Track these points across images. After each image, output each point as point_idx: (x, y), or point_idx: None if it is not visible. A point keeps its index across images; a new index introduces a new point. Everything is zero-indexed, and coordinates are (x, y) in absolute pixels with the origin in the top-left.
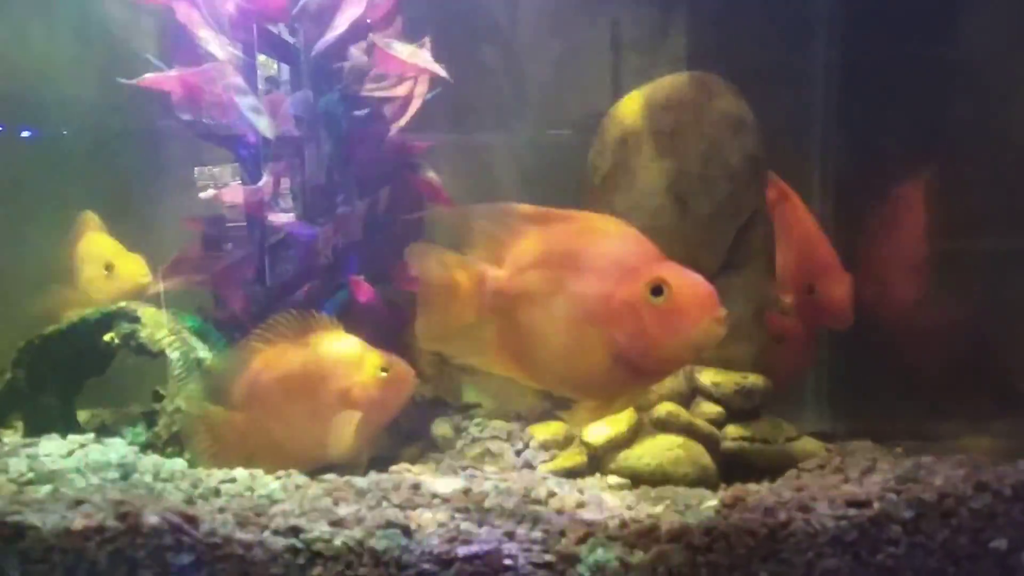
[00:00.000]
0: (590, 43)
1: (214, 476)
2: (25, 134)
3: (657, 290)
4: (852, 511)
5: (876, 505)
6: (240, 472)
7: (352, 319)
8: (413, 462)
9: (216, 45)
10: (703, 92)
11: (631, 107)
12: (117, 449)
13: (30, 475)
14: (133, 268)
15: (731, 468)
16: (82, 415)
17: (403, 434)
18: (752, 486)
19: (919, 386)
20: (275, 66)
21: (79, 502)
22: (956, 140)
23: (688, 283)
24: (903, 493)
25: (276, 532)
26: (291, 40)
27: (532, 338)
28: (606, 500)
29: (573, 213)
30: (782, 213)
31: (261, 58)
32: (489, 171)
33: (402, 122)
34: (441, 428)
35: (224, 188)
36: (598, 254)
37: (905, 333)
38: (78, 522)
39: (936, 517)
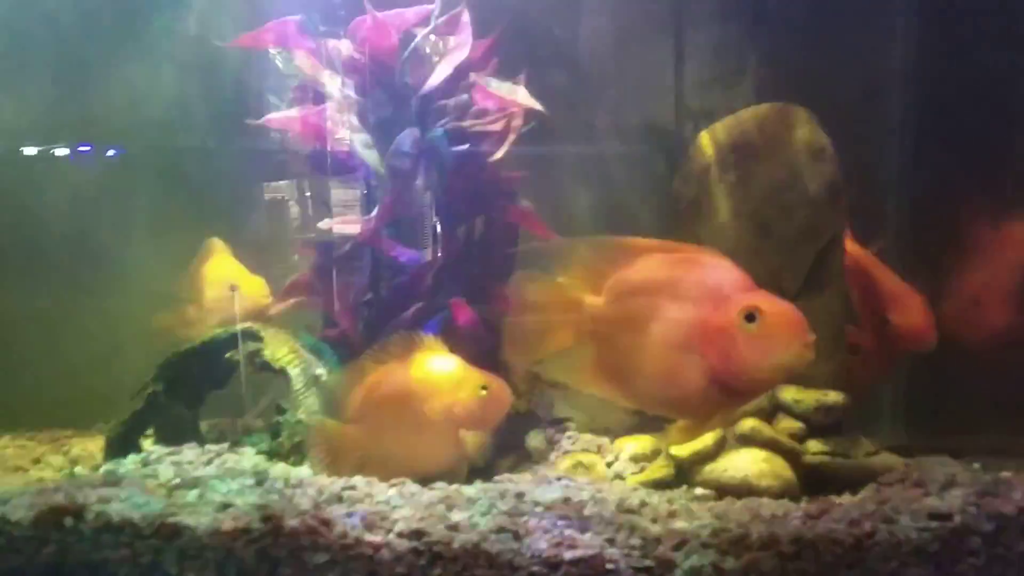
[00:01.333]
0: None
1: (336, 484)
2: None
3: (750, 316)
4: (934, 523)
5: (957, 518)
6: (359, 480)
7: (453, 339)
8: (510, 473)
9: (334, 87)
10: (783, 122)
11: (715, 137)
12: (249, 458)
13: (177, 480)
14: (256, 289)
15: (813, 482)
16: (202, 425)
17: (499, 446)
18: (835, 498)
19: (997, 404)
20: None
21: (226, 505)
22: None
23: (779, 310)
24: (983, 507)
25: (400, 535)
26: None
27: (630, 361)
28: (695, 509)
29: (670, 243)
30: (850, 260)
31: None
32: (572, 183)
33: (499, 154)
34: (535, 441)
35: (340, 218)
36: (694, 283)
37: (986, 352)
38: (227, 524)
39: (1016, 530)
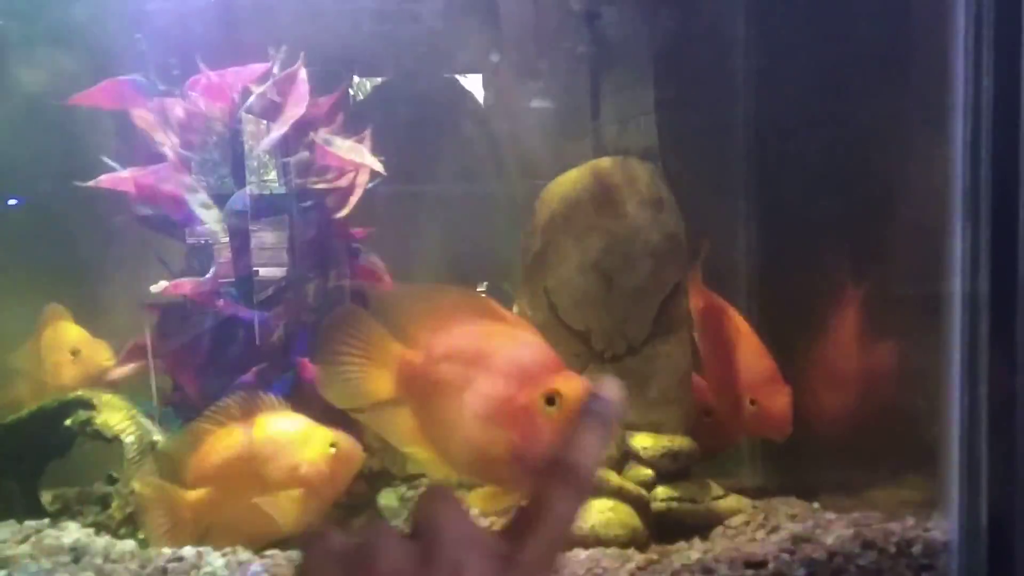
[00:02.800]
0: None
1: (162, 555)
2: None
3: (550, 400)
4: (749, 572)
5: (771, 566)
6: (188, 551)
7: (301, 398)
8: None
9: (169, 146)
10: (625, 175)
11: (558, 191)
12: (71, 533)
13: None
14: (98, 353)
15: (663, 528)
16: (46, 495)
17: (351, 506)
18: (674, 546)
19: (842, 445)
20: None
21: None
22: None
23: (581, 396)
24: (796, 553)
25: None
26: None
27: (442, 425)
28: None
29: (492, 308)
30: (716, 324)
31: None
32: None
33: (344, 211)
34: (387, 498)
35: (174, 280)
36: (505, 358)
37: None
38: None
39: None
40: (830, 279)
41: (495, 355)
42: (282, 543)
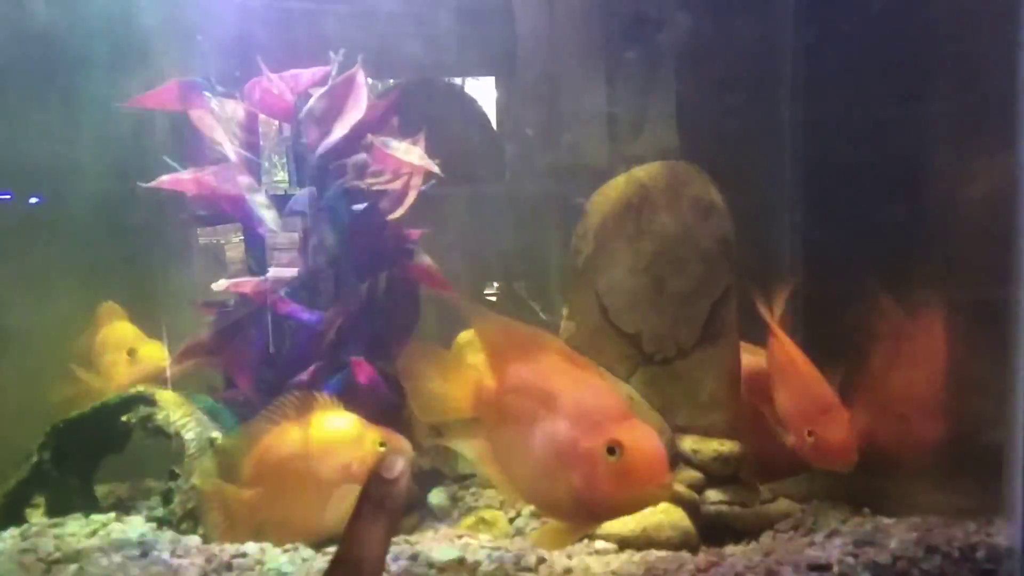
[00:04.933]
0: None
1: (227, 551)
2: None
3: (612, 450)
4: (814, 574)
5: (836, 568)
6: (251, 546)
7: (354, 397)
8: (411, 531)
9: (230, 148)
10: (676, 179)
11: (610, 194)
12: (136, 527)
13: (57, 555)
14: (154, 353)
15: (712, 531)
16: (100, 489)
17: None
18: (729, 549)
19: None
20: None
21: None
22: None
23: (640, 447)
24: (860, 556)
25: None
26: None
27: (511, 453)
28: (591, 565)
29: (563, 349)
30: (773, 351)
31: None
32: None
33: (399, 213)
34: (438, 498)
35: (235, 279)
36: (572, 400)
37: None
38: None
39: None
40: (880, 291)
41: (563, 396)
42: (333, 540)
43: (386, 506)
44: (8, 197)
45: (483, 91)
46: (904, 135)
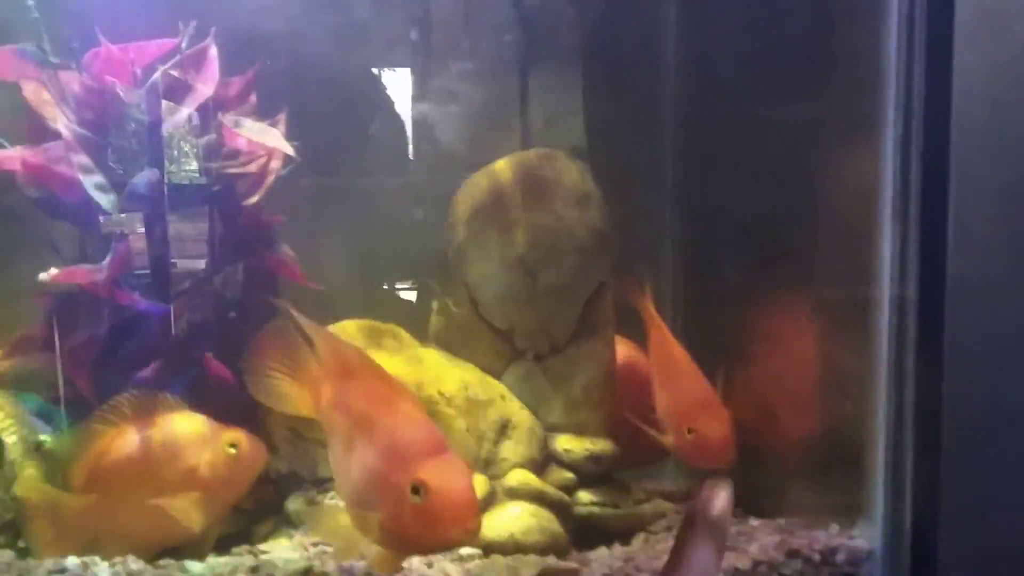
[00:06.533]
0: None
1: (43, 567)
2: None
3: (416, 489)
4: None
5: None
6: (72, 561)
7: (205, 396)
8: (265, 539)
9: (63, 123)
10: (550, 168)
11: (481, 182)
12: None
13: None
14: None
15: (584, 533)
16: None
17: (256, 511)
18: (593, 554)
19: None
20: None
21: None
22: None
23: (446, 489)
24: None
25: None
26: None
27: (337, 468)
28: (452, 572)
29: (384, 375)
30: (653, 344)
31: None
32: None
33: (255, 198)
34: (295, 503)
35: (64, 268)
36: (385, 431)
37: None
38: None
39: None
40: (758, 282)
41: (378, 425)
42: (177, 551)
43: (715, 539)
44: None
45: (372, 79)
46: (778, 133)
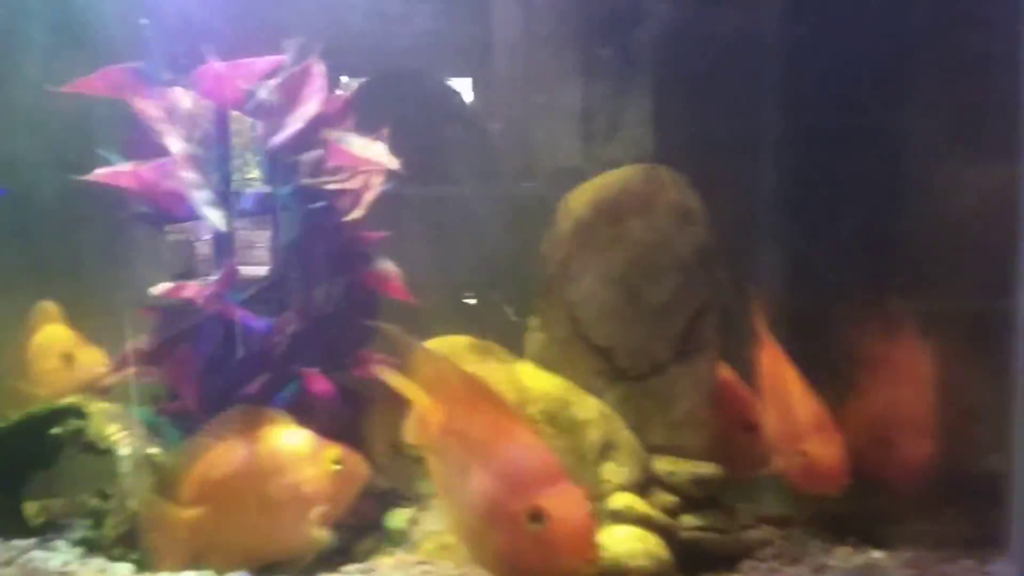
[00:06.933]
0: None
1: None
2: None
3: (536, 516)
4: None
5: None
6: (189, 574)
7: (307, 411)
8: (367, 556)
9: (173, 140)
10: (652, 184)
11: (582, 199)
12: (60, 555)
13: None
14: (91, 359)
15: (688, 558)
16: (31, 506)
17: (357, 527)
18: None
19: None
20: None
21: None
22: None
23: (566, 517)
24: None
25: None
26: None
27: (448, 494)
28: None
29: (499, 400)
30: (764, 365)
31: None
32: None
33: (357, 214)
34: (396, 520)
35: (177, 282)
36: (501, 458)
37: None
38: None
39: None
40: (874, 299)
41: (493, 451)
42: (280, 565)
43: None
44: None
45: (454, 89)
46: (894, 143)
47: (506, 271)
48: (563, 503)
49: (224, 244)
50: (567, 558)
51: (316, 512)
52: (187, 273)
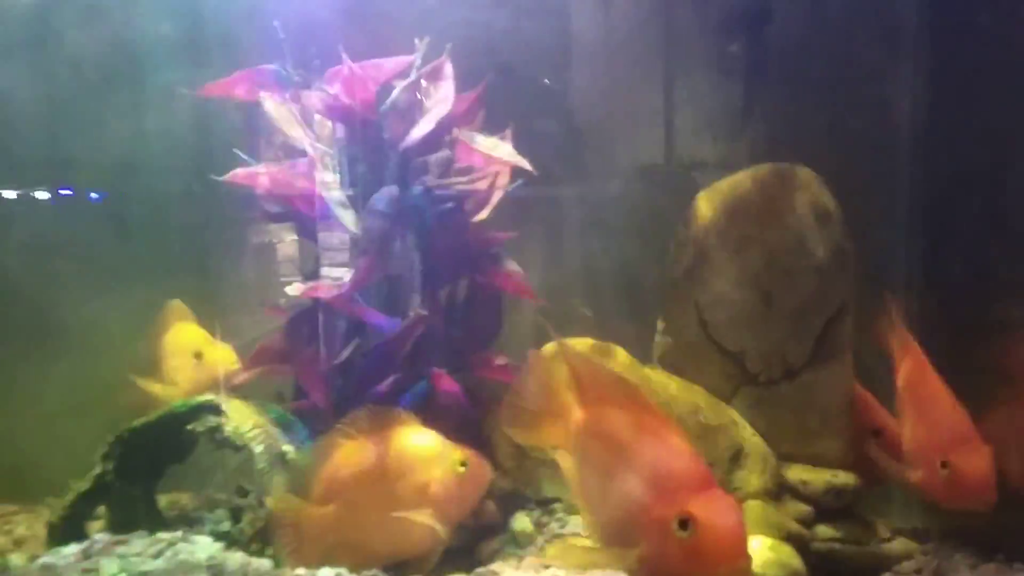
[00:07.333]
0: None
1: None
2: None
3: (684, 523)
4: None
5: None
6: (325, 572)
7: (432, 411)
8: (492, 558)
9: (306, 141)
10: (786, 183)
11: (714, 199)
12: (205, 547)
13: None
14: (222, 357)
15: (823, 570)
16: (161, 500)
17: (481, 529)
18: None
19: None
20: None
21: None
22: None
23: (716, 523)
24: None
25: None
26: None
27: (591, 496)
28: None
29: (648, 403)
30: (905, 370)
31: None
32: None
33: (484, 214)
34: (521, 523)
35: (310, 283)
36: (649, 461)
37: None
38: None
39: None
40: (1012, 308)
41: (641, 454)
42: (409, 565)
43: None
44: (70, 193)
45: (571, 86)
46: None
47: (629, 274)
48: (714, 510)
49: (355, 244)
50: (716, 567)
51: (441, 513)
52: (316, 273)
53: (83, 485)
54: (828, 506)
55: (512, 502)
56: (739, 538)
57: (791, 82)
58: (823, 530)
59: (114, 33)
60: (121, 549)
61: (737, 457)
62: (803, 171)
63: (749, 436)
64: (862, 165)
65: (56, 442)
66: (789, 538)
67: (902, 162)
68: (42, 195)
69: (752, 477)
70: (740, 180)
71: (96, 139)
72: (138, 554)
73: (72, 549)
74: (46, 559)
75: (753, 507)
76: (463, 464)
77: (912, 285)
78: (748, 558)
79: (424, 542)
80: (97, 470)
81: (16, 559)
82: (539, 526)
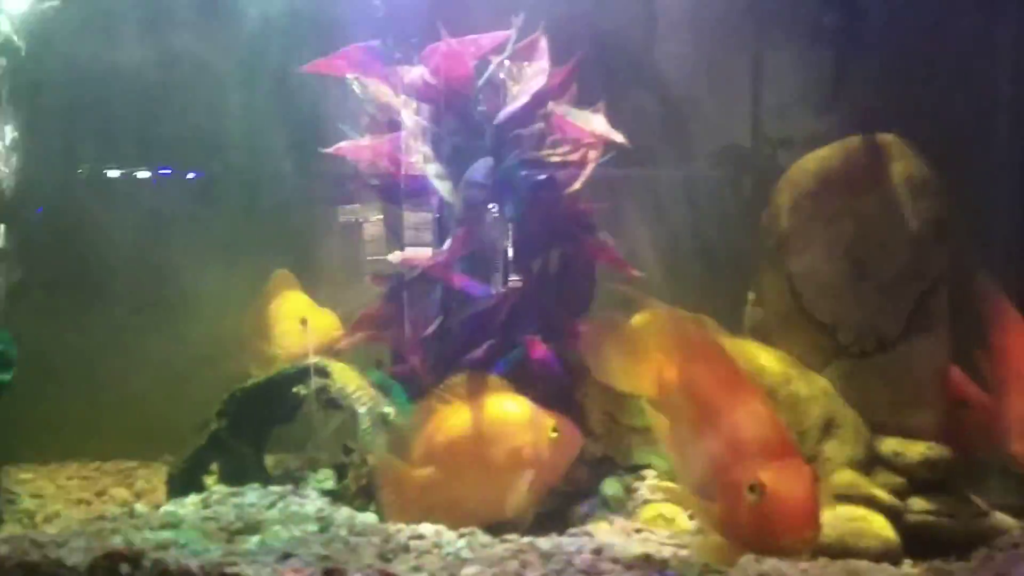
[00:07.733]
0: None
1: (403, 532)
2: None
3: (754, 488)
4: None
5: None
6: (427, 528)
7: (526, 378)
8: (583, 521)
9: (406, 115)
10: (880, 153)
11: (808, 168)
12: (313, 501)
13: (239, 524)
14: (326, 323)
15: (914, 542)
16: (268, 460)
17: (572, 493)
18: (942, 563)
19: None
20: None
21: (287, 555)
22: None
23: (784, 493)
24: None
25: None
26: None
27: (681, 451)
28: (785, 571)
29: (734, 365)
30: (1004, 343)
31: None
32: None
33: (577, 185)
34: (611, 488)
35: (411, 251)
36: (730, 424)
37: None
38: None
39: None
40: None
41: (723, 416)
42: (504, 526)
43: None
44: (168, 172)
45: (666, 61)
46: None
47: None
48: (784, 479)
49: (453, 215)
50: (782, 536)
51: (533, 477)
52: (414, 243)
53: (200, 440)
54: (922, 478)
55: (602, 468)
56: (807, 509)
57: (885, 53)
58: (917, 502)
59: (214, 15)
60: (236, 500)
61: (829, 427)
62: (898, 141)
63: (841, 407)
64: (959, 142)
65: (173, 403)
66: (881, 509)
67: (1001, 136)
68: (143, 175)
69: (844, 447)
70: (833, 149)
71: (203, 119)
72: (252, 505)
73: (192, 498)
74: (169, 507)
75: (844, 476)
76: (555, 430)
77: (1012, 259)
78: (816, 529)
79: (515, 505)
80: (212, 426)
81: (140, 507)
82: (629, 491)
